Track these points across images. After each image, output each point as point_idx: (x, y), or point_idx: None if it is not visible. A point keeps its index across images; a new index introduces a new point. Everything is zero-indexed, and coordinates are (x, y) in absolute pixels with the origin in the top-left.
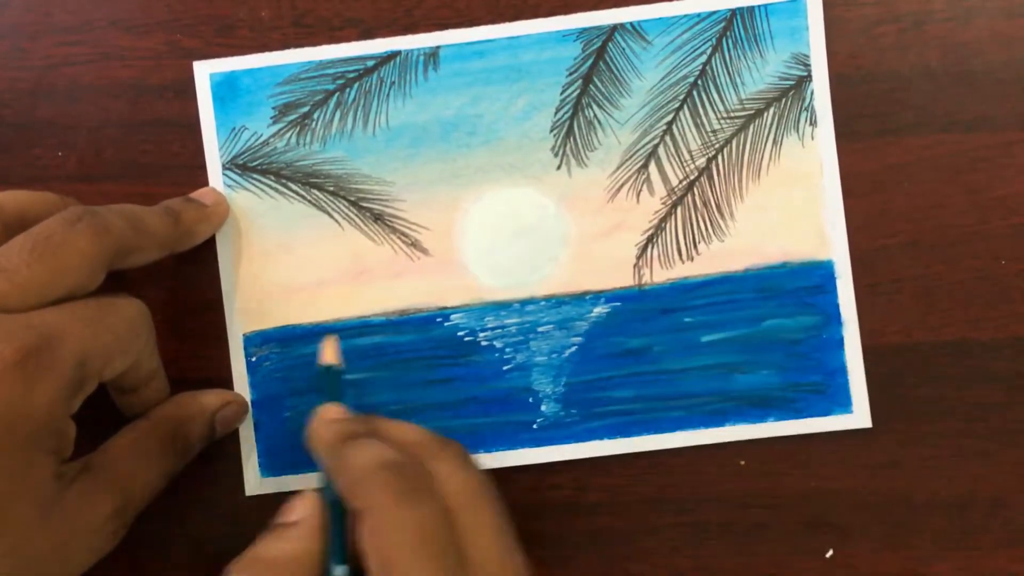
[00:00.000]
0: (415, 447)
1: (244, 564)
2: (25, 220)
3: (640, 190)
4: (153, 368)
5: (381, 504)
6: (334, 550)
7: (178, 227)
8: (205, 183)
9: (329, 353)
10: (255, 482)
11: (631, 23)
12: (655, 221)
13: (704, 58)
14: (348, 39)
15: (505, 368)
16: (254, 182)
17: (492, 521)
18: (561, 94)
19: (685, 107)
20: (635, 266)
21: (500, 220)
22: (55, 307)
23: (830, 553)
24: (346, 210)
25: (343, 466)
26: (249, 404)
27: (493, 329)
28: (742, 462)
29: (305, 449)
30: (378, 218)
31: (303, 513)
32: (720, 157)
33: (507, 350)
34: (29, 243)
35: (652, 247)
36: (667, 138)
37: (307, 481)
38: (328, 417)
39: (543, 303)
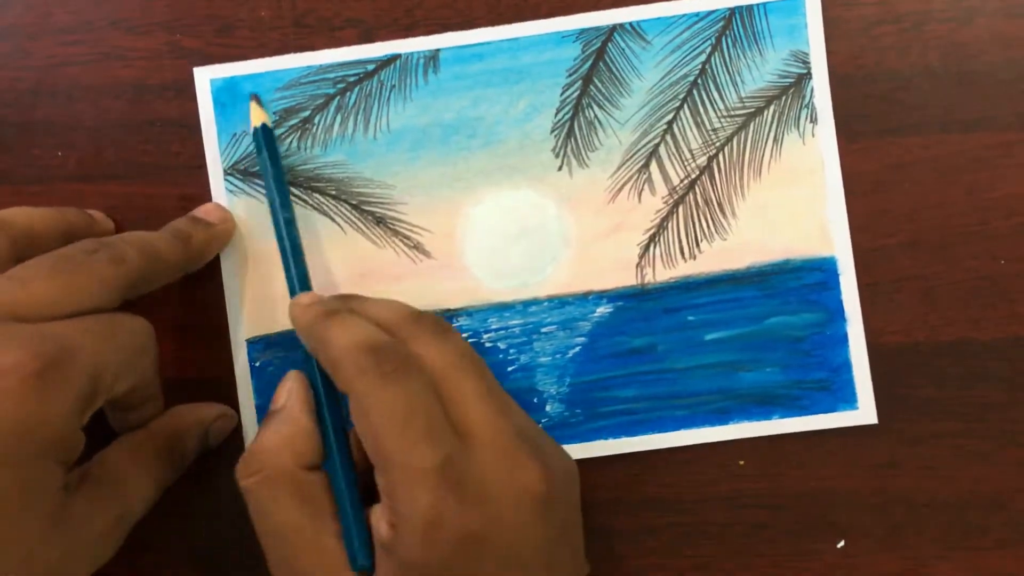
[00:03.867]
0: (391, 325)
1: (245, 461)
2: (32, 236)
3: (641, 189)
4: (155, 388)
5: (364, 386)
6: (333, 430)
7: (188, 251)
8: (205, 183)
9: (256, 112)
10: None
11: (630, 23)
12: (657, 220)
13: (704, 57)
14: (348, 39)
15: (509, 369)
16: (256, 187)
17: (477, 386)
18: (561, 95)
19: (685, 106)
20: (637, 265)
21: (502, 222)
22: (68, 320)
23: (842, 543)
24: (348, 214)
25: (323, 348)
26: (236, 415)
27: (496, 330)
28: (741, 462)
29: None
30: (380, 221)
31: (287, 395)
32: (721, 155)
33: (511, 351)
34: (50, 260)
35: (654, 246)
36: (668, 137)
37: None
38: (304, 302)
39: (546, 304)
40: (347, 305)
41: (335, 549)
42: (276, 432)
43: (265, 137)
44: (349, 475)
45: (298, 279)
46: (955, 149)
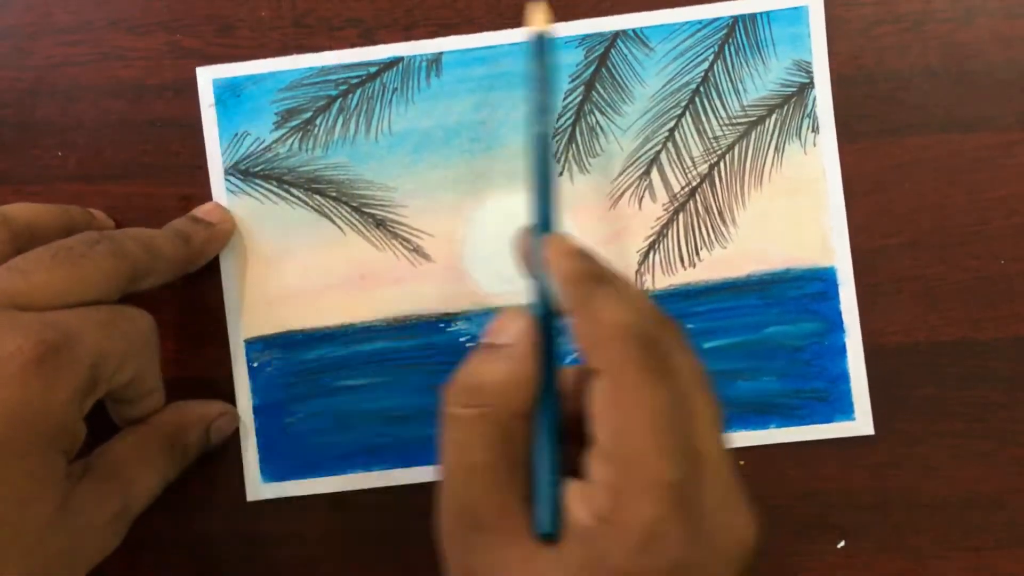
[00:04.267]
0: (646, 318)
1: (457, 390)
2: (33, 231)
3: (642, 196)
4: (156, 381)
5: (627, 375)
6: (546, 383)
7: (188, 250)
8: (205, 183)
9: (538, 15)
10: (256, 488)
11: (633, 30)
12: (657, 227)
13: (706, 65)
14: (348, 39)
15: None
16: (256, 188)
17: (715, 411)
18: (563, 100)
19: (687, 113)
20: (637, 272)
21: (502, 226)
22: (69, 310)
23: (842, 543)
24: (348, 216)
25: (589, 316)
26: (238, 414)
27: None
28: (741, 462)
29: (299, 450)
30: (380, 224)
31: (515, 334)
32: (722, 164)
33: None
34: (51, 251)
35: (654, 253)
36: (669, 144)
37: (307, 487)
38: (566, 248)
39: None
40: (607, 274)
41: (520, 505)
42: (501, 370)
43: (541, 47)
44: (554, 436)
45: (546, 215)
46: (955, 149)
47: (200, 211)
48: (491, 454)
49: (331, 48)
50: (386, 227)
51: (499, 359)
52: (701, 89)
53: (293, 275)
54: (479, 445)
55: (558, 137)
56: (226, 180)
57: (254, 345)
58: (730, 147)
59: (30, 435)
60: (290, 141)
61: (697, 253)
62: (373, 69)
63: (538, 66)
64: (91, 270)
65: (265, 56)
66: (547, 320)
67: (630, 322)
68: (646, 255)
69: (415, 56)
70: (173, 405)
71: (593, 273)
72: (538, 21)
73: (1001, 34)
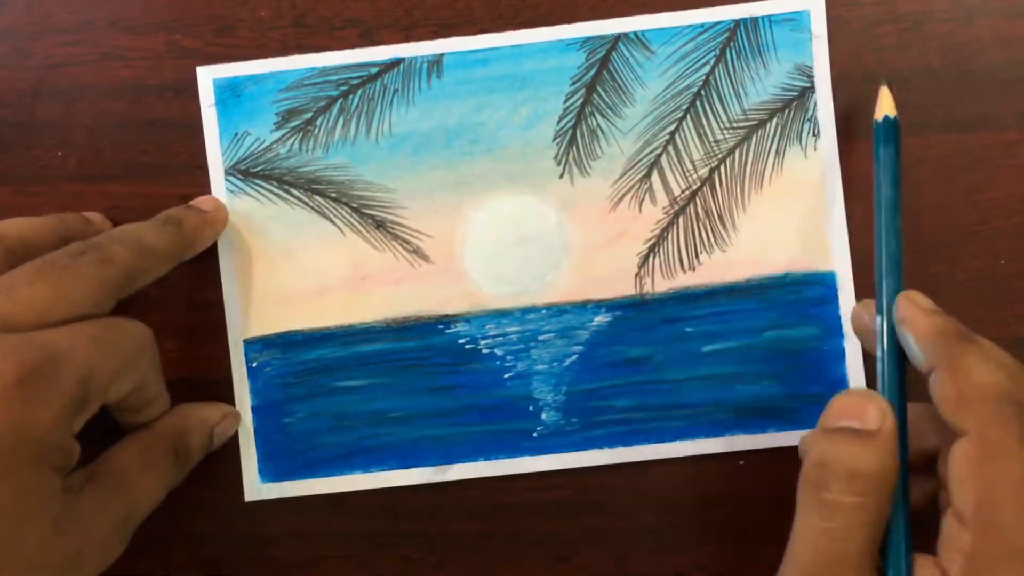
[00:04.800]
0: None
1: (834, 477)
2: (27, 246)
3: (642, 199)
4: (158, 388)
5: (997, 440)
6: (903, 465)
7: (180, 236)
8: (205, 183)
9: (887, 101)
10: (254, 488)
11: (635, 33)
12: (657, 230)
13: (707, 68)
14: (348, 39)
15: (506, 376)
16: (256, 188)
17: None
18: (564, 103)
19: (688, 117)
20: (636, 275)
21: (502, 228)
22: (57, 327)
23: None
24: (348, 217)
25: (959, 375)
26: (241, 415)
27: (494, 337)
28: (741, 462)
29: (299, 453)
30: (380, 225)
31: (881, 422)
32: (723, 167)
33: (508, 358)
34: (35, 266)
35: (654, 256)
36: (670, 148)
37: (306, 487)
38: (927, 305)
39: (544, 311)
40: (973, 333)
41: None
42: (876, 460)
43: (886, 132)
44: (908, 519)
45: (898, 279)
46: (955, 149)
47: (193, 202)
48: (867, 545)
49: (331, 48)
50: (386, 228)
51: (870, 447)
52: (702, 92)
53: (293, 275)
54: (859, 536)
55: (558, 140)
56: (226, 180)
57: (253, 345)
58: (731, 151)
59: (17, 455)
60: (290, 141)
61: (697, 257)
62: (374, 70)
63: (891, 154)
64: (76, 281)
65: (265, 56)
66: (900, 399)
67: (1005, 386)
68: (646, 258)
69: (416, 57)
70: (175, 409)
71: (960, 331)
72: (887, 106)
73: (1001, 34)
